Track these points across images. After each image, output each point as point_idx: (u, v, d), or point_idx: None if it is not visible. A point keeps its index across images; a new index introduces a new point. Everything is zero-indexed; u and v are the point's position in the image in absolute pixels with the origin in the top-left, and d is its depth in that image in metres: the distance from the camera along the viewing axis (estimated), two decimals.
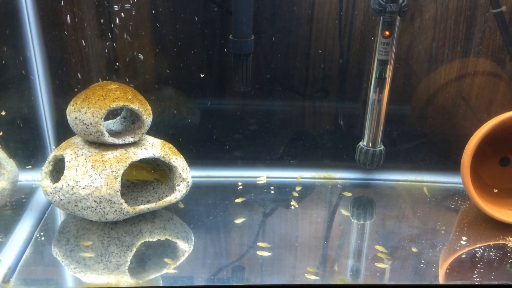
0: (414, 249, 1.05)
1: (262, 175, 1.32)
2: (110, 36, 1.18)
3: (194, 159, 1.28)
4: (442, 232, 1.12)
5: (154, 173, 1.15)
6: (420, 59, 1.24)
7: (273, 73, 1.25)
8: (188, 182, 1.10)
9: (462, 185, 1.25)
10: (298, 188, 1.27)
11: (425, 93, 1.29)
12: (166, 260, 1.00)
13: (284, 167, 1.34)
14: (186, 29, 1.19)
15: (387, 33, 1.13)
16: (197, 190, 1.25)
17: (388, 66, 1.16)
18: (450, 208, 1.22)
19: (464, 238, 1.10)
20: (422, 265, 1.01)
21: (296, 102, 1.30)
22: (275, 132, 1.32)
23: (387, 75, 1.17)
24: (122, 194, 1.10)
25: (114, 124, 1.09)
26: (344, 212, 1.19)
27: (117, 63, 1.20)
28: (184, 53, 1.21)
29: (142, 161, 1.13)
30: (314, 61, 1.25)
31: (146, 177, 1.15)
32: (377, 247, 1.05)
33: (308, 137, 1.33)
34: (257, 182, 1.30)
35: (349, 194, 1.26)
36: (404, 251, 1.05)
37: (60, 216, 1.15)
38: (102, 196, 0.99)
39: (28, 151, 1.26)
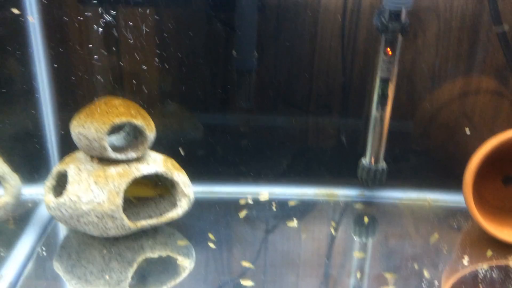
0: (416, 269, 1.04)
1: (265, 192, 1.32)
2: (115, 51, 1.19)
3: (196, 174, 1.29)
4: (445, 252, 1.11)
5: (156, 189, 1.15)
6: (423, 77, 1.25)
7: (276, 89, 1.26)
8: (190, 198, 1.10)
9: (464, 204, 1.25)
10: (292, 203, 1.27)
11: (428, 111, 1.29)
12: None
13: (286, 184, 1.34)
14: (190, 45, 1.20)
15: (389, 51, 1.14)
16: (199, 205, 1.25)
17: (390, 84, 1.17)
18: (453, 227, 1.21)
19: (466, 258, 1.09)
20: (424, 285, 1.00)
21: (299, 119, 1.30)
22: (277, 148, 1.32)
23: (389, 93, 1.18)
24: (124, 210, 1.10)
25: (117, 139, 1.10)
26: (346, 230, 1.19)
27: (121, 79, 1.22)
28: (187, 69, 1.22)
29: (145, 177, 1.14)
30: (317, 77, 1.25)
31: (148, 193, 1.15)
32: (380, 267, 1.05)
33: (310, 153, 1.34)
34: (259, 199, 1.29)
35: (351, 211, 1.26)
36: (406, 270, 1.04)
37: (62, 230, 1.15)
38: (104, 212, 0.99)
39: (32, 165, 1.26)
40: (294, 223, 1.19)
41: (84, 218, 1.00)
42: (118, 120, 0.99)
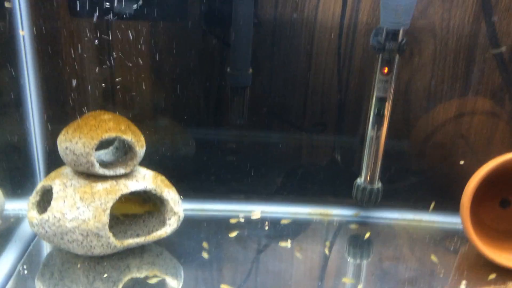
0: None
1: (257, 210, 1.28)
2: (107, 65, 1.17)
3: (187, 191, 1.26)
4: (441, 275, 1.08)
5: (144, 206, 1.11)
6: (418, 96, 1.23)
7: (270, 106, 1.24)
8: (179, 216, 1.06)
9: (461, 226, 1.22)
10: (285, 222, 1.24)
11: (424, 131, 1.27)
12: None
13: (279, 202, 1.31)
14: (184, 60, 1.18)
15: (386, 70, 1.12)
16: (189, 223, 1.21)
17: (387, 103, 1.15)
18: (449, 250, 1.18)
19: (464, 282, 1.06)
20: None
21: (293, 136, 1.28)
22: (270, 166, 1.30)
23: (385, 112, 1.16)
24: (110, 227, 1.07)
25: (106, 154, 1.06)
26: (340, 250, 1.15)
27: (113, 93, 1.19)
28: (181, 85, 1.20)
29: (133, 194, 1.10)
30: (312, 95, 1.23)
31: (137, 210, 1.12)
32: None
33: (304, 172, 1.31)
34: (251, 217, 1.26)
35: (345, 231, 1.23)
36: None
37: (45, 248, 1.11)
38: (89, 230, 0.95)
39: (17, 179, 1.22)
40: (286, 243, 1.16)
41: (68, 236, 0.96)
42: (107, 135, 0.96)
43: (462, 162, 1.28)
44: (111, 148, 1.08)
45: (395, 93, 1.16)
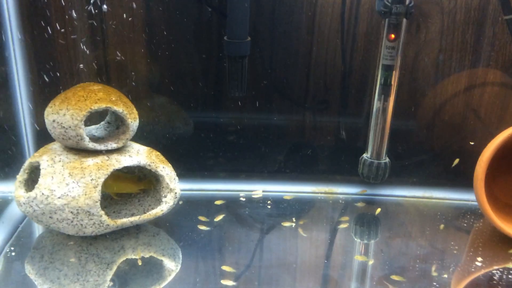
0: (424, 271, 0.95)
1: (258, 189, 1.22)
2: (98, 38, 1.10)
3: (186, 171, 1.20)
4: (455, 252, 1.02)
5: (139, 184, 1.05)
6: (426, 73, 1.17)
7: (271, 78, 1.17)
8: (176, 193, 1.00)
9: (474, 203, 1.17)
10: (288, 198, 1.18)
11: (433, 106, 1.20)
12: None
13: (281, 181, 1.25)
14: (179, 32, 1.12)
15: (393, 36, 1.05)
16: (188, 204, 1.16)
17: (394, 72, 1.08)
18: (462, 227, 1.12)
19: (479, 259, 1.00)
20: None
21: (295, 111, 1.21)
22: (272, 143, 1.23)
23: (392, 82, 1.09)
24: (104, 207, 1.01)
25: (97, 129, 1.00)
26: (346, 230, 1.09)
27: (105, 67, 1.13)
28: (176, 58, 1.13)
29: (126, 169, 1.05)
30: (315, 66, 1.17)
31: (131, 189, 1.06)
32: (386, 270, 0.95)
33: (307, 148, 1.24)
34: (253, 196, 1.20)
35: (352, 209, 1.16)
36: (413, 272, 0.95)
37: (36, 230, 1.05)
38: (79, 207, 0.89)
39: (5, 160, 1.16)
40: (291, 223, 1.10)
41: (58, 214, 0.90)
42: (96, 106, 0.90)
43: (472, 143, 1.21)
44: (102, 123, 1.02)
45: (402, 67, 1.10)
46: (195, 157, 1.23)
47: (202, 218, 1.09)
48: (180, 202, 1.15)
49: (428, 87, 1.19)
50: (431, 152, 1.24)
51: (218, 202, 1.17)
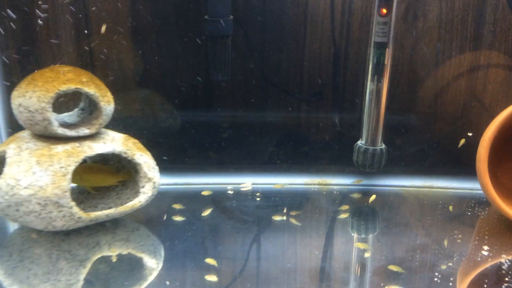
0: (426, 261, 0.87)
1: (247, 181, 1.15)
2: (78, 18, 1.03)
3: (170, 164, 1.13)
4: (459, 241, 0.94)
5: (118, 176, 0.98)
6: (425, 63, 1.11)
7: (256, 60, 1.10)
8: (154, 182, 0.93)
9: (478, 191, 1.09)
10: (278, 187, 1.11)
11: (433, 95, 1.14)
12: None
13: (271, 172, 1.17)
14: (158, 8, 1.05)
15: (384, 11, 0.99)
16: (172, 198, 1.08)
17: (387, 50, 1.02)
18: (466, 215, 1.05)
19: (485, 248, 0.92)
20: (437, 279, 0.83)
21: (284, 96, 1.15)
22: (260, 132, 1.16)
23: (386, 61, 1.03)
24: (80, 202, 0.94)
25: (70, 117, 0.94)
26: (343, 223, 1.01)
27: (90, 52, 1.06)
28: (155, 38, 1.06)
29: (103, 160, 0.98)
30: (303, 48, 1.10)
31: (109, 182, 0.98)
32: (383, 261, 0.88)
33: (298, 137, 1.17)
34: (241, 189, 1.13)
35: (347, 201, 1.09)
36: (413, 263, 0.87)
37: (5, 226, 0.97)
38: (47, 197, 0.82)
39: None
40: (281, 217, 1.02)
41: (24, 206, 0.82)
42: (65, 87, 0.83)
43: (470, 134, 1.14)
44: (76, 110, 0.95)
45: (396, 45, 1.04)
46: (179, 149, 1.16)
47: (182, 210, 1.02)
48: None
49: (428, 81, 1.13)
50: (431, 141, 1.17)
51: (205, 193, 1.10)
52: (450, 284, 0.81)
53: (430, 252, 0.91)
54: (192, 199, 1.08)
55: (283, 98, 1.14)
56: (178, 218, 1.00)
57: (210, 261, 0.86)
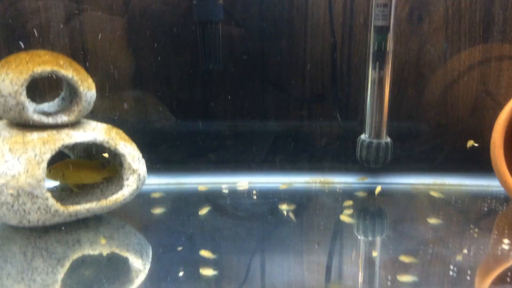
0: (442, 255, 0.78)
1: (243, 181, 1.07)
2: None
3: (165, 164, 1.07)
4: (475, 235, 0.85)
5: (103, 172, 0.92)
6: (432, 67, 1.06)
7: (250, 48, 1.04)
8: (139, 174, 0.86)
9: (494, 188, 1.00)
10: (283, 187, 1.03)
11: (443, 93, 1.08)
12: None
13: (268, 171, 1.10)
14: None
15: None
16: (163, 198, 1.01)
17: (388, 35, 0.96)
18: (483, 210, 0.96)
19: (506, 241, 0.82)
20: (452, 272, 0.74)
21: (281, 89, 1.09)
22: (256, 127, 1.09)
23: (387, 47, 0.96)
24: (61, 200, 0.87)
25: (50, 106, 0.88)
26: (347, 224, 0.93)
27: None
28: (143, 27, 1.02)
29: (85, 153, 0.92)
30: (299, 35, 1.04)
31: (94, 178, 0.92)
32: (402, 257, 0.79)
33: (298, 134, 1.10)
34: (237, 188, 1.05)
35: (352, 200, 1.00)
36: (425, 257, 0.78)
37: None
38: (20, 187, 0.75)
39: None
40: (282, 211, 0.94)
41: None
42: (39, 69, 0.78)
43: (476, 145, 1.06)
44: (56, 99, 0.90)
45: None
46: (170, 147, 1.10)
47: (177, 216, 0.95)
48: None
49: (437, 85, 1.06)
50: (441, 139, 1.10)
51: (201, 188, 1.04)
52: (468, 277, 0.72)
53: (448, 247, 0.81)
54: (187, 198, 1.01)
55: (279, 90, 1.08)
56: (167, 216, 0.93)
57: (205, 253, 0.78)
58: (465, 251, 0.79)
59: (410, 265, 0.76)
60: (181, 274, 0.74)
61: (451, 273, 0.74)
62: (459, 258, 0.78)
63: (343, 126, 1.09)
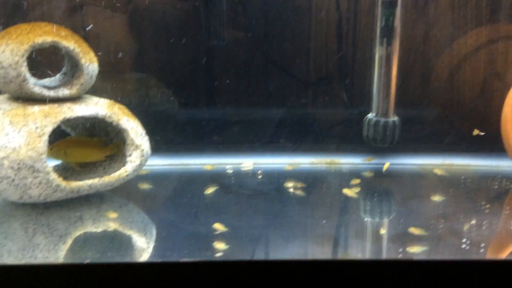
0: (453, 229, 0.77)
1: (248, 161, 1.05)
2: None
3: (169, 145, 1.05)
4: (487, 211, 0.83)
5: (105, 150, 0.90)
6: (438, 50, 1.04)
7: (255, 23, 1.02)
8: (143, 150, 0.84)
9: (504, 168, 0.99)
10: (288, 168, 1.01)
11: (450, 74, 1.06)
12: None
13: (274, 152, 1.08)
14: None
15: None
16: (167, 178, 1.00)
17: (396, 9, 0.94)
18: (493, 189, 0.94)
19: None
20: (464, 245, 0.72)
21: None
22: (261, 107, 1.07)
23: (395, 22, 0.95)
24: (64, 178, 0.85)
25: (51, 82, 0.87)
26: (353, 203, 0.91)
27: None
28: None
29: (88, 132, 0.90)
30: (302, 12, 1.02)
31: (96, 156, 0.90)
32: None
33: (303, 114, 1.08)
34: (242, 169, 1.03)
35: (357, 181, 0.98)
36: (436, 232, 0.76)
37: None
38: (21, 160, 0.74)
39: None
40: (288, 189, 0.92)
41: None
42: (40, 40, 0.76)
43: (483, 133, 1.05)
44: (58, 74, 0.88)
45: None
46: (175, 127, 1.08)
47: (180, 195, 0.93)
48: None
49: (443, 68, 1.04)
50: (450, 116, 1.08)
51: (207, 167, 1.03)
52: (481, 250, 0.71)
53: (460, 221, 0.80)
54: (191, 178, 1.00)
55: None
56: (172, 195, 0.91)
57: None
58: (476, 224, 0.78)
59: (420, 236, 0.75)
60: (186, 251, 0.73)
61: (463, 246, 0.72)
62: (469, 230, 0.76)
63: (348, 103, 1.07)
